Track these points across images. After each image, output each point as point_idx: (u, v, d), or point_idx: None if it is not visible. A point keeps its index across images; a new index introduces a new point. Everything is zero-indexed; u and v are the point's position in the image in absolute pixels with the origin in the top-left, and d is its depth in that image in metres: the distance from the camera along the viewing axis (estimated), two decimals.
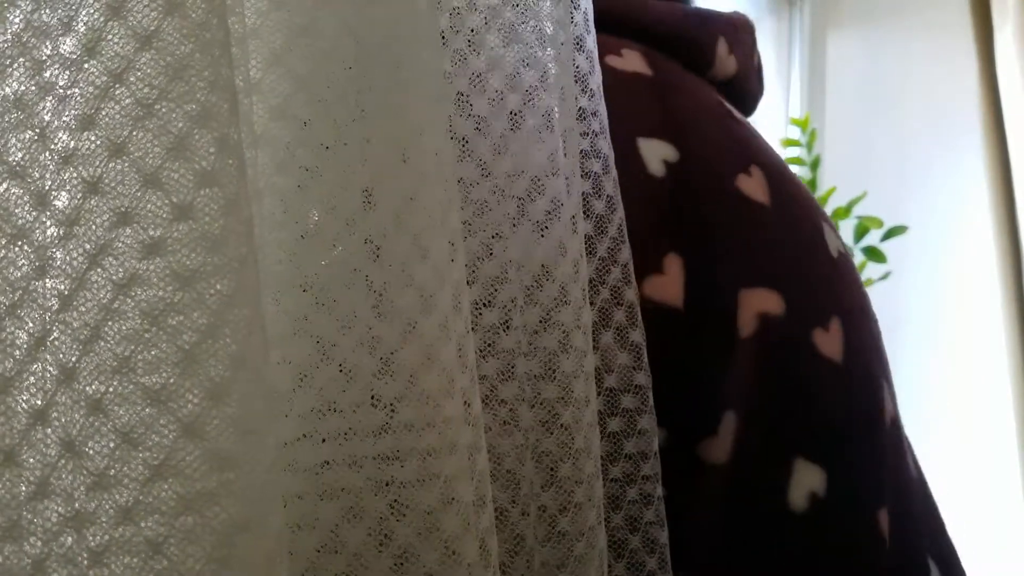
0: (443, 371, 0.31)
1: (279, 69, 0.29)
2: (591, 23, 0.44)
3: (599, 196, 0.43)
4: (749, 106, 0.64)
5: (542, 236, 0.39)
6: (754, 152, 0.52)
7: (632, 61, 0.52)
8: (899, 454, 0.51)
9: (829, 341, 0.48)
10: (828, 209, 1.71)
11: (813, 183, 1.72)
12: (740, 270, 0.47)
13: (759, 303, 0.46)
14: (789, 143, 1.78)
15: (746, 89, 0.61)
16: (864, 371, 0.49)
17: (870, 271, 1.71)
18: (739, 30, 0.60)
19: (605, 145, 0.44)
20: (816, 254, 0.50)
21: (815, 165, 1.72)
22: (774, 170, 0.51)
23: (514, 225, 0.39)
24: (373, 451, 0.31)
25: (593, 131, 0.43)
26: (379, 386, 0.30)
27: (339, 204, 0.30)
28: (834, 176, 1.90)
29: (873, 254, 1.68)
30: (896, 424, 0.51)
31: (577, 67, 0.43)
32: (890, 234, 1.67)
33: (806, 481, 0.45)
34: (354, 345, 0.30)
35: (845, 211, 1.68)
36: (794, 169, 1.73)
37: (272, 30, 0.29)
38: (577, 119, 0.42)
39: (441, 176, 0.32)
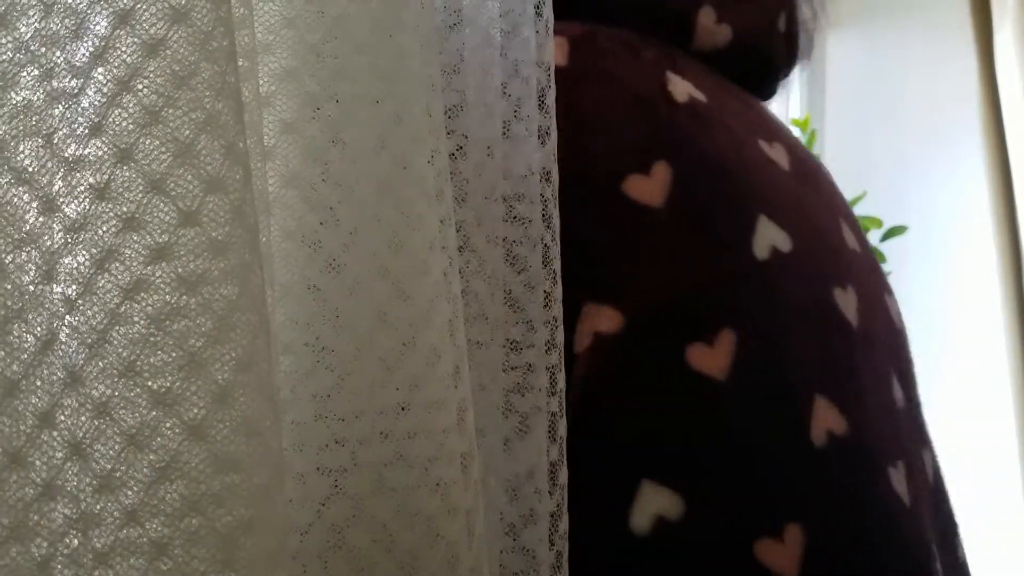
0: (440, 381, 0.32)
1: (290, 85, 0.29)
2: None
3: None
4: (767, 79, 0.60)
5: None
6: (676, 145, 0.48)
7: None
8: (841, 472, 0.46)
9: (710, 356, 0.44)
10: None
11: None
12: (586, 283, 0.44)
13: (596, 321, 0.44)
14: None
15: (755, 58, 0.57)
16: (766, 386, 0.45)
17: None
18: None
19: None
20: (720, 258, 0.47)
21: None
22: (695, 164, 0.47)
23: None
24: (377, 456, 0.32)
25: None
26: (383, 395, 0.31)
27: (343, 218, 0.30)
28: (834, 176, 1.90)
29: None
30: (841, 441, 0.46)
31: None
32: (890, 234, 1.68)
33: (653, 504, 0.43)
34: (357, 353, 0.31)
35: None
36: None
37: (283, 47, 0.29)
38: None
39: (439, 188, 0.33)
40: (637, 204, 0.46)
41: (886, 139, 2.09)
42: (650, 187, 0.46)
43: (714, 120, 0.51)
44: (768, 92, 0.63)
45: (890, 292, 0.59)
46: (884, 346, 0.54)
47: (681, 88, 0.51)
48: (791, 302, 0.48)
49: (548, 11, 0.40)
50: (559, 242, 0.41)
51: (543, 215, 0.40)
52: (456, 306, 0.34)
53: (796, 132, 1.77)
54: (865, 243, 0.59)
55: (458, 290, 0.34)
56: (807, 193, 0.53)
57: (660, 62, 0.52)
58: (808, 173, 0.55)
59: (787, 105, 2.12)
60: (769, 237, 0.48)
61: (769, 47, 0.59)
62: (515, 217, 0.40)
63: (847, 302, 0.51)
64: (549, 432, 0.40)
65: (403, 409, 0.32)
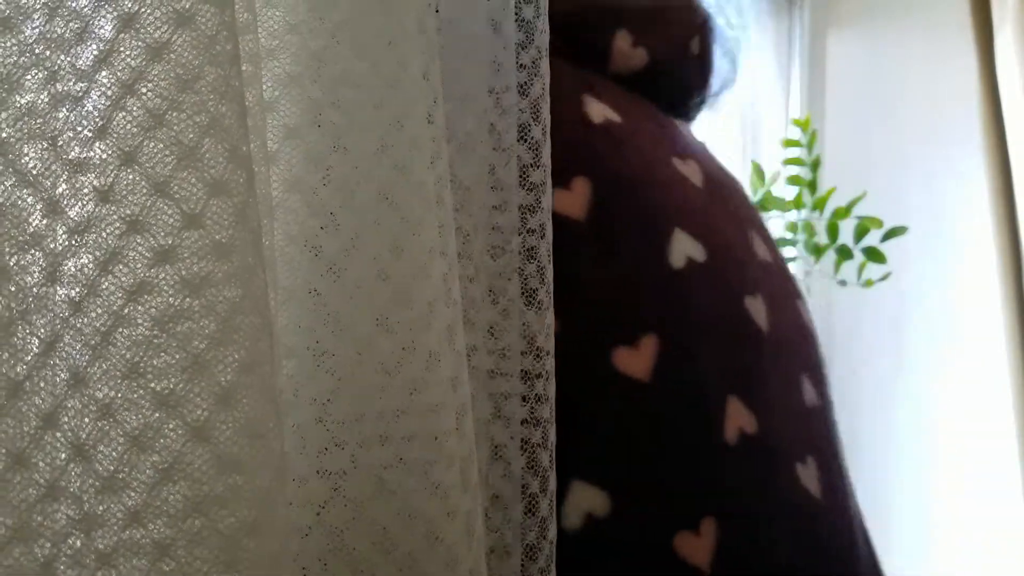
0: (439, 385, 0.32)
1: (294, 91, 0.29)
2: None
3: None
4: (683, 100, 0.61)
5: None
6: (592, 162, 0.50)
7: None
8: (752, 468, 0.49)
9: (634, 359, 0.46)
10: (828, 209, 1.71)
11: (813, 183, 1.72)
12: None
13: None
14: (789, 143, 1.78)
15: (671, 82, 0.59)
16: (684, 387, 0.48)
17: (870, 271, 1.71)
18: (657, 19, 0.58)
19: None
20: (639, 267, 0.49)
21: (815, 165, 1.72)
22: (611, 182, 0.50)
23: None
24: (377, 459, 0.32)
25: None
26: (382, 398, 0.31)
27: (343, 223, 0.30)
28: (834, 176, 1.90)
29: (873, 254, 1.67)
30: (751, 439, 0.49)
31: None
32: (890, 234, 1.67)
33: (583, 502, 0.44)
34: (357, 357, 0.31)
35: (845, 211, 1.68)
36: (794, 169, 1.74)
37: (287, 52, 0.29)
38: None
39: (439, 195, 0.33)
40: (561, 216, 0.47)
41: (886, 139, 2.09)
42: (572, 200, 0.48)
43: (628, 140, 0.53)
44: (685, 112, 0.65)
45: (801, 297, 0.61)
46: (794, 350, 0.57)
47: (597, 110, 0.53)
48: (706, 309, 0.50)
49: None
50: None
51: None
52: (455, 311, 0.34)
53: (796, 132, 1.77)
54: (776, 252, 0.61)
55: (458, 295, 0.34)
56: (718, 207, 0.56)
57: (577, 86, 0.54)
58: (719, 188, 0.58)
59: (787, 105, 2.12)
60: (684, 248, 0.50)
61: (683, 70, 0.61)
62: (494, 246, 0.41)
63: (757, 309, 0.53)
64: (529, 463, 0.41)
65: (403, 413, 0.32)
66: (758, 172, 1.73)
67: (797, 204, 1.73)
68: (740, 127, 2.02)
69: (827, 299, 1.98)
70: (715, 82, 0.64)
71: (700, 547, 0.46)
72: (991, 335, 1.93)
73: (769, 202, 1.68)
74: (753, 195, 1.60)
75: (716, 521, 0.47)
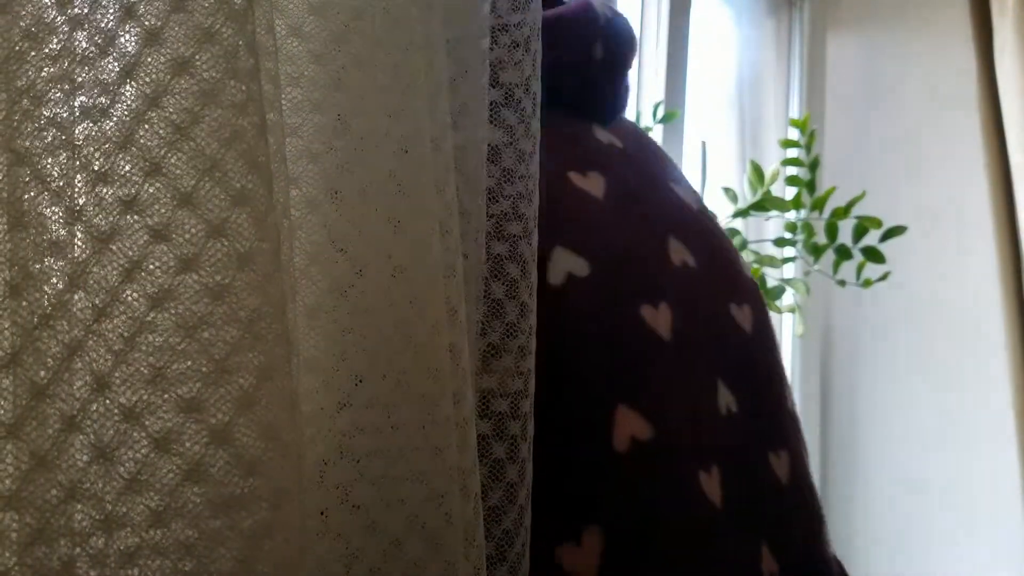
0: (443, 399, 0.33)
1: (316, 116, 0.30)
2: None
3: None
4: (591, 99, 0.61)
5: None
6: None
7: None
8: (643, 475, 0.48)
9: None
10: (827, 209, 1.71)
11: (812, 183, 1.72)
12: None
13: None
14: (788, 144, 1.79)
15: (575, 84, 0.59)
16: (565, 398, 0.47)
17: (869, 271, 1.71)
18: (558, 28, 0.58)
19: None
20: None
21: (814, 165, 1.72)
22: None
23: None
24: (392, 472, 0.32)
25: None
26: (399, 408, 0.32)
27: (350, 249, 0.31)
28: (833, 176, 1.90)
29: (872, 254, 1.68)
30: (644, 445, 0.48)
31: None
32: (889, 234, 1.68)
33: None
34: (368, 370, 0.31)
35: (844, 211, 1.68)
36: (793, 170, 1.74)
37: (311, 77, 0.30)
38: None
39: (445, 223, 0.33)
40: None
41: (886, 139, 2.09)
42: None
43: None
44: (602, 114, 0.64)
45: (740, 302, 0.60)
46: (711, 356, 0.56)
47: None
48: (585, 320, 0.50)
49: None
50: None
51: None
52: (459, 331, 0.35)
53: (795, 132, 1.78)
54: (711, 254, 0.60)
55: (463, 317, 0.35)
56: (619, 217, 0.55)
57: None
58: (627, 197, 0.57)
59: (786, 105, 2.13)
60: (564, 264, 0.51)
61: (588, 73, 0.61)
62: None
63: (658, 316, 0.53)
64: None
65: (410, 426, 0.32)
66: (757, 172, 1.73)
67: (796, 204, 1.74)
68: (739, 127, 2.02)
69: (826, 299, 1.98)
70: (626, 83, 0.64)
71: (583, 557, 0.45)
72: (991, 335, 1.93)
73: (768, 202, 1.68)
74: (752, 195, 1.60)
75: (601, 531, 0.46)
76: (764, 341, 0.61)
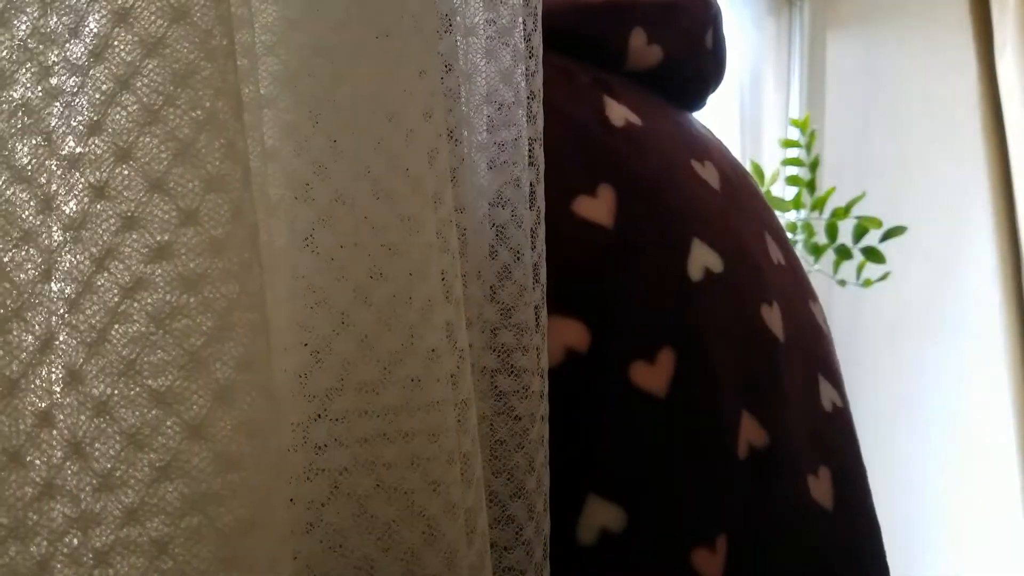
0: (440, 380, 0.32)
1: (290, 86, 0.29)
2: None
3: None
4: (693, 91, 0.61)
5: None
6: (615, 168, 0.49)
7: None
8: (758, 483, 0.48)
9: (652, 374, 0.46)
10: (827, 209, 1.71)
11: (812, 183, 1.72)
12: (550, 296, 0.44)
13: (564, 334, 0.44)
14: (788, 144, 1.78)
15: (684, 75, 0.59)
16: (701, 402, 0.47)
17: (869, 271, 1.71)
18: (671, 14, 0.58)
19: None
20: (660, 280, 0.48)
21: (814, 165, 1.72)
22: (632, 188, 0.48)
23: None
24: (378, 457, 0.32)
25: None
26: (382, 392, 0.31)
27: (336, 224, 0.30)
28: (833, 176, 1.90)
29: (872, 254, 1.67)
30: (759, 452, 0.49)
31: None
32: (889, 234, 1.67)
33: (598, 517, 0.44)
34: (357, 354, 0.30)
35: (844, 211, 1.68)
36: (793, 170, 1.74)
37: (286, 48, 0.29)
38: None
39: (438, 192, 0.33)
40: (589, 222, 0.47)
41: (885, 139, 2.09)
42: (598, 207, 0.47)
43: (649, 144, 0.52)
44: (698, 106, 0.65)
45: (814, 297, 0.61)
46: (810, 354, 0.56)
47: (618, 113, 0.52)
48: (723, 322, 0.49)
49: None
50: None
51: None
52: (457, 308, 0.34)
53: (795, 132, 1.77)
54: (789, 252, 0.60)
55: (459, 292, 0.34)
56: (733, 211, 0.55)
57: (595, 86, 0.53)
58: (736, 190, 0.57)
59: (786, 105, 2.12)
60: (702, 259, 0.50)
61: (698, 64, 0.61)
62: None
63: (773, 317, 0.53)
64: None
65: (403, 410, 0.31)
66: (757, 172, 1.72)
67: (796, 204, 1.73)
68: (739, 127, 2.01)
69: (826, 299, 1.98)
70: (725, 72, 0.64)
71: (715, 563, 0.46)
72: (991, 335, 1.93)
73: (769, 202, 1.68)
74: None
75: (727, 537, 0.46)
76: (831, 337, 0.62)
